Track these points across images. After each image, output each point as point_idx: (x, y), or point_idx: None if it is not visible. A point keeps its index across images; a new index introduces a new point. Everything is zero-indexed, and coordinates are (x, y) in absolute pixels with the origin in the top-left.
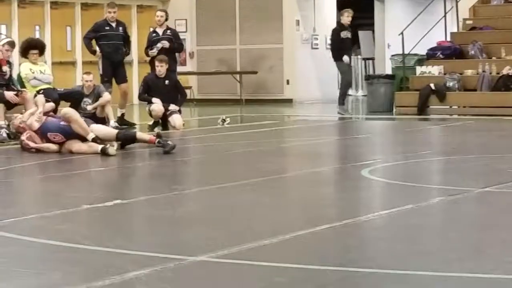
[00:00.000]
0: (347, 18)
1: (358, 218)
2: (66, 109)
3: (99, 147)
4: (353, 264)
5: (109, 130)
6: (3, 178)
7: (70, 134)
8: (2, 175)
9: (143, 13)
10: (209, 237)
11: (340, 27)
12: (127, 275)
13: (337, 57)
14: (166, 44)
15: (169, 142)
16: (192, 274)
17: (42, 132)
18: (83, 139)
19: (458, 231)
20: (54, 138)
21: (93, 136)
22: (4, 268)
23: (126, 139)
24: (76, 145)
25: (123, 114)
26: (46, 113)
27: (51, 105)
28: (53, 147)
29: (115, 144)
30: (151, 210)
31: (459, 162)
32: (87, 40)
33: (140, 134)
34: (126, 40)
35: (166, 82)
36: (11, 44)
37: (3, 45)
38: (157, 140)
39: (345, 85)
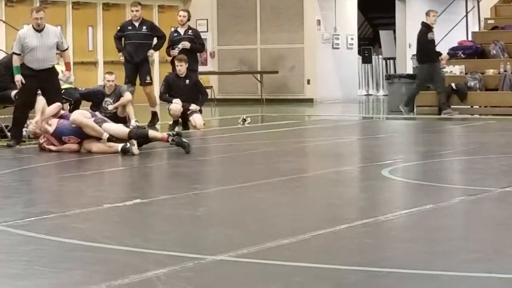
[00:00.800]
0: (433, 18)
1: (378, 218)
2: (73, 116)
3: (119, 146)
4: (373, 264)
5: (121, 129)
6: (24, 177)
7: (84, 134)
8: (22, 174)
9: (164, 13)
10: (228, 237)
11: (426, 27)
12: (146, 274)
13: (423, 60)
14: (187, 45)
15: (184, 140)
16: (211, 273)
17: (56, 136)
18: (98, 138)
19: (479, 231)
20: (69, 140)
21: (107, 135)
22: (24, 267)
23: (138, 138)
24: (95, 146)
25: (154, 113)
26: (55, 115)
27: (56, 106)
28: (74, 147)
29: (135, 143)
30: (171, 209)
31: (480, 162)
32: (115, 39)
33: (152, 132)
34: (156, 37)
35: (187, 81)
36: None
37: None
38: (171, 138)
39: (417, 89)
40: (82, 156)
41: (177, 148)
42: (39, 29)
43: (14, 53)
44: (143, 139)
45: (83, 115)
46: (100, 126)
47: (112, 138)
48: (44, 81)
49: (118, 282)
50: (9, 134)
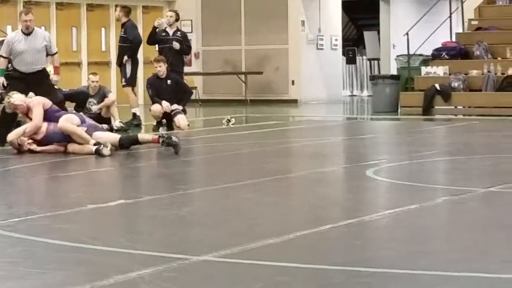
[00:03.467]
0: None
1: (362, 218)
2: (60, 124)
3: (93, 148)
4: (357, 264)
5: (112, 137)
6: (7, 178)
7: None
8: (6, 175)
9: (149, 13)
10: (212, 237)
11: None
12: (130, 274)
13: None
14: (176, 45)
15: (174, 139)
16: (195, 274)
17: (47, 142)
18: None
19: (463, 231)
20: (60, 146)
21: (93, 142)
22: (9, 268)
23: (130, 144)
24: (71, 146)
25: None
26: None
27: (34, 126)
28: (61, 148)
29: (109, 145)
30: (155, 210)
31: (464, 162)
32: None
33: (142, 136)
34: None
35: (168, 82)
36: None
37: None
38: (161, 139)
39: None
40: (65, 157)
41: (162, 148)
42: (27, 32)
43: (1, 56)
44: (134, 144)
45: (70, 121)
46: (91, 134)
47: (99, 145)
48: (34, 84)
49: (102, 282)
50: None
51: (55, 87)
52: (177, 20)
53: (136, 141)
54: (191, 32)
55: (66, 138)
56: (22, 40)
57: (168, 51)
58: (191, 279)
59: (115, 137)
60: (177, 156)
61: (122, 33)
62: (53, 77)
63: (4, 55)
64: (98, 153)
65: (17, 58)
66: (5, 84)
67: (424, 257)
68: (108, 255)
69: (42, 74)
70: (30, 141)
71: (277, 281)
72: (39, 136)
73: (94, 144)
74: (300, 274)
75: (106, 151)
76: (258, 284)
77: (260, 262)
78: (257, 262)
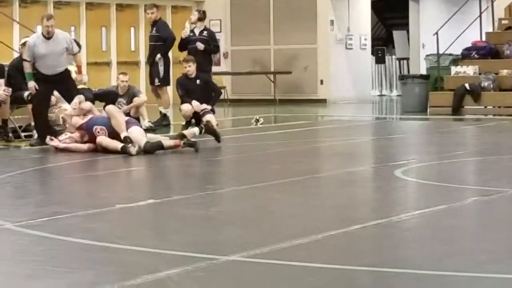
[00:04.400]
0: None
1: (391, 219)
2: (108, 106)
3: (119, 144)
4: (386, 265)
5: (139, 138)
6: (37, 177)
7: (112, 129)
8: (35, 174)
9: (178, 13)
10: (241, 237)
11: None
12: (158, 274)
13: None
14: (201, 46)
15: (194, 138)
16: (223, 274)
17: (87, 127)
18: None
19: (492, 231)
20: (98, 132)
21: (125, 135)
22: (37, 267)
23: (154, 150)
24: (101, 138)
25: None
26: (87, 113)
27: (89, 104)
28: (84, 147)
29: (137, 146)
30: (184, 209)
31: (494, 162)
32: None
33: (166, 142)
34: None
35: (197, 81)
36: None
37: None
38: (182, 142)
39: None
40: (94, 156)
41: (189, 148)
42: (48, 37)
43: (24, 60)
44: (158, 150)
45: (116, 110)
46: (128, 128)
47: (127, 140)
48: (58, 85)
49: (130, 282)
50: (23, 134)
51: (85, 86)
52: (200, 19)
53: (162, 147)
54: (220, 31)
55: (108, 125)
56: (44, 44)
57: (195, 51)
58: (219, 279)
59: (143, 141)
60: (205, 155)
61: (154, 31)
62: (77, 76)
63: (27, 59)
64: (124, 151)
65: (39, 61)
66: (37, 87)
67: (452, 258)
68: (136, 254)
69: (64, 75)
70: (66, 136)
71: (305, 282)
72: (80, 122)
73: (122, 141)
74: (328, 274)
75: (133, 149)
76: (287, 285)
77: (288, 262)
78: (285, 263)
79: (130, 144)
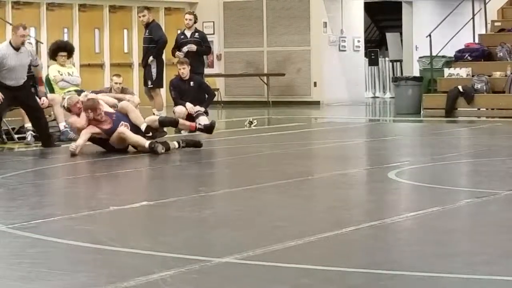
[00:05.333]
0: None
1: (385, 221)
2: (121, 103)
3: (146, 142)
4: (379, 266)
5: (152, 118)
6: (30, 179)
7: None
8: (29, 176)
9: (171, 15)
10: (234, 239)
11: None
12: (152, 276)
13: None
14: (192, 47)
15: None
16: (217, 276)
17: (115, 121)
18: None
19: (485, 233)
20: (124, 126)
21: (146, 125)
22: (30, 269)
23: (169, 123)
24: (128, 133)
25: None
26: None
27: (114, 101)
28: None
29: (163, 147)
30: (177, 211)
31: (487, 164)
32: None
33: (181, 121)
34: (153, 41)
35: (191, 83)
36: None
37: None
38: (199, 126)
39: None
40: (89, 158)
41: (184, 150)
42: (18, 47)
43: None
44: (172, 125)
45: (129, 104)
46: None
47: (149, 130)
48: (19, 92)
49: (124, 284)
50: (16, 136)
51: (78, 88)
52: (195, 22)
53: (176, 124)
54: (213, 33)
55: (128, 120)
56: (14, 56)
57: (187, 53)
58: (212, 281)
59: (154, 118)
60: (199, 157)
61: (147, 34)
62: (41, 88)
63: None
64: (152, 148)
65: (6, 73)
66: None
67: (445, 259)
68: (130, 256)
69: (26, 83)
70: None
71: (299, 283)
72: (111, 109)
73: (149, 138)
74: (322, 276)
75: (160, 148)
76: (280, 286)
77: (281, 264)
78: (279, 264)
79: (159, 144)
